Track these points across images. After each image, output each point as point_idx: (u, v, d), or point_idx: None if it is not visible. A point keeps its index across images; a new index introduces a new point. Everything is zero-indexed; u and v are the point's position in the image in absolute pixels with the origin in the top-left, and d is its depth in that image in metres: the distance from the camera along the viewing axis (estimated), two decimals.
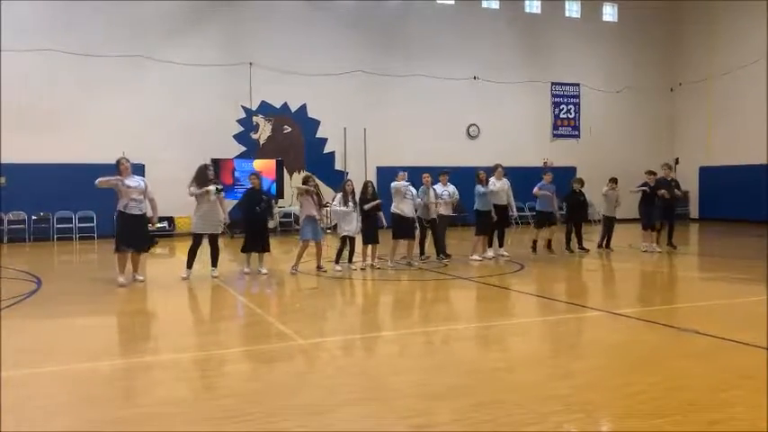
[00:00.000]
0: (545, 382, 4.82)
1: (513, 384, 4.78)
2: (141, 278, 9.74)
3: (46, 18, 17.35)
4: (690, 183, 23.91)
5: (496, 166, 12.43)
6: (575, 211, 13.43)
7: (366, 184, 11.28)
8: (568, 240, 13.25)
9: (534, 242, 13.09)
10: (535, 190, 13.09)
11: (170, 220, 17.94)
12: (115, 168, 9.37)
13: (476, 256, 11.92)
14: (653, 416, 4.02)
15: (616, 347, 5.97)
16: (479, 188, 11.92)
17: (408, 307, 8.48)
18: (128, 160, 9.51)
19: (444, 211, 11.95)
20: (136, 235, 9.38)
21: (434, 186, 11.86)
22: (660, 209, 13.34)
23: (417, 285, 9.95)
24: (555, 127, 23.59)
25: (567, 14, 23.76)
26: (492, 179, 12.18)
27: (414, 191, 11.39)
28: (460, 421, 3.96)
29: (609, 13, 24.40)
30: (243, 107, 19.33)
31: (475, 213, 12.15)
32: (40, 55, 17.06)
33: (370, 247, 11.05)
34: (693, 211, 23.84)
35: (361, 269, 10.79)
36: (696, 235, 19.38)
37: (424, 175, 11.80)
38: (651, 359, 5.44)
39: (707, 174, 23.37)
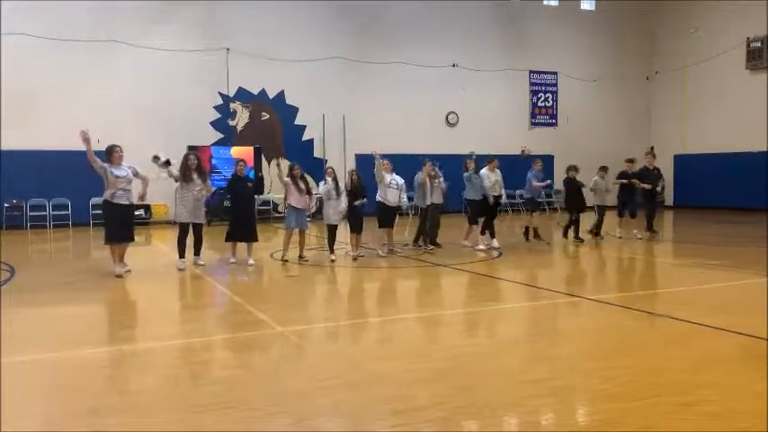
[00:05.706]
0: (524, 367, 4.89)
1: (492, 369, 4.83)
2: (127, 268, 9.49)
3: (18, 2, 16.92)
4: (665, 170, 24.12)
5: (491, 160, 12.19)
6: (573, 199, 13.22)
7: (353, 175, 11.03)
8: (577, 230, 12.98)
9: (526, 229, 13.20)
10: (537, 183, 13.03)
11: (146, 207, 17.73)
12: (106, 155, 9.13)
13: (481, 246, 11.81)
14: (629, 398, 4.10)
15: (593, 332, 6.07)
16: (477, 177, 11.78)
17: (390, 294, 8.50)
18: (121, 149, 9.26)
19: (437, 199, 11.89)
20: (124, 226, 9.23)
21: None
22: (640, 196, 13.55)
23: (400, 273, 9.96)
24: (533, 115, 23.70)
25: (545, 3, 23.84)
26: (486, 172, 12.02)
27: (399, 181, 11.28)
28: (441, 405, 4.00)
29: (587, 2, 24.52)
30: (220, 93, 19.15)
31: (467, 202, 12.11)
32: (11, 39, 16.65)
33: (355, 235, 11.00)
34: (668, 198, 24.19)
35: (353, 258, 10.74)
36: (671, 222, 19.66)
37: (427, 161, 11.74)
38: (627, 344, 5.54)
39: (682, 162, 23.70)
